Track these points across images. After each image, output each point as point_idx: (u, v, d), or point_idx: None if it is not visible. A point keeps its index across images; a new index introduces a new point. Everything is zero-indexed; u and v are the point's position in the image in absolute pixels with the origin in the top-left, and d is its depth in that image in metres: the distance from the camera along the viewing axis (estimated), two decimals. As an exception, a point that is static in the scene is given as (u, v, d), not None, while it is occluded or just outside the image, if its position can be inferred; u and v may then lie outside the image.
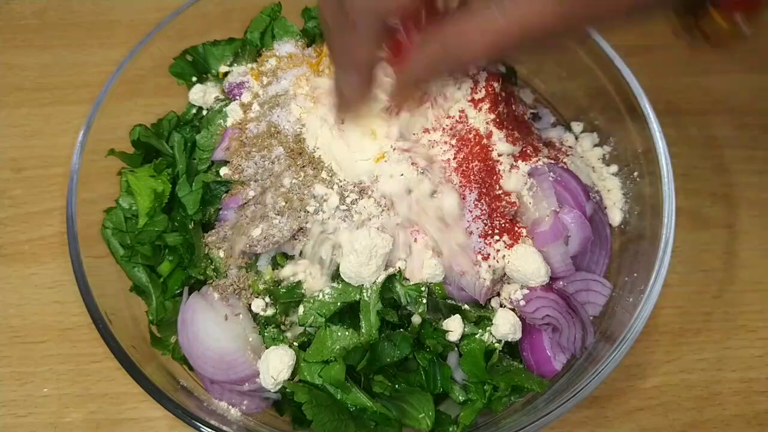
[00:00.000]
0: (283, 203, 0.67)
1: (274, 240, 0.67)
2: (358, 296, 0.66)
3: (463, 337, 0.69)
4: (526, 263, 0.68)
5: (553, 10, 0.53)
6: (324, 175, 0.68)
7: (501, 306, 0.71)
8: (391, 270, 0.66)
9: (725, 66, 1.06)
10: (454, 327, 0.68)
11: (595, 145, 0.87)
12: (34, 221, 0.92)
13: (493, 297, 0.71)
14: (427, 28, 0.60)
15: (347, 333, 0.65)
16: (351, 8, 0.57)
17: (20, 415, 0.80)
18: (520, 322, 0.70)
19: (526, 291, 0.70)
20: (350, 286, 0.66)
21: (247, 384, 0.69)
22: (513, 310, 0.70)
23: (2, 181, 0.95)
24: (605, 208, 0.81)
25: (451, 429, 0.69)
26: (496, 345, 0.69)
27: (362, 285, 0.66)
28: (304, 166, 0.68)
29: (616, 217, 0.81)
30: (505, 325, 0.68)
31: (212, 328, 0.68)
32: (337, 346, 0.65)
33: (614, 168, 0.84)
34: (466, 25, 0.57)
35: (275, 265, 0.71)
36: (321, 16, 0.63)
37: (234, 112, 0.76)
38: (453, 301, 0.69)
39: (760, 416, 0.80)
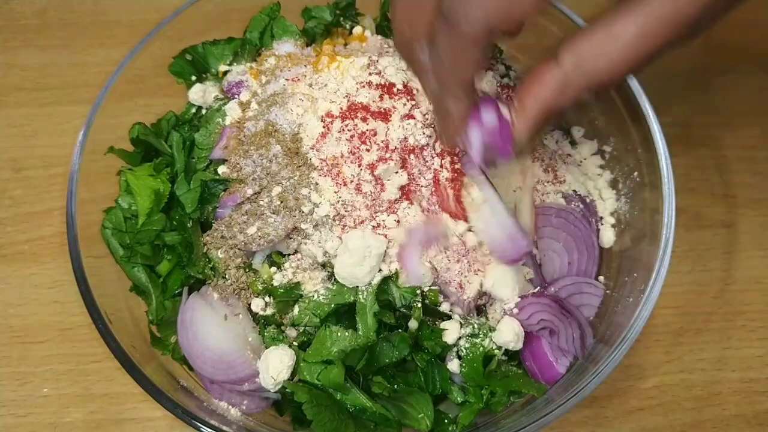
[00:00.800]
0: (279, 202, 0.68)
1: (268, 239, 0.67)
2: (353, 298, 0.66)
3: (463, 339, 0.69)
4: (498, 282, 0.69)
5: None
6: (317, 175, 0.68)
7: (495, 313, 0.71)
8: (386, 272, 0.66)
9: (725, 66, 1.06)
10: (451, 326, 0.68)
11: (593, 154, 0.86)
12: (34, 221, 0.92)
13: (485, 305, 0.72)
14: (559, 43, 0.56)
15: (347, 333, 0.65)
16: (463, 19, 0.53)
17: (20, 415, 0.80)
18: (523, 332, 0.70)
19: (517, 299, 0.70)
20: (345, 287, 0.66)
21: (246, 384, 0.69)
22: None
23: (2, 181, 0.95)
24: (601, 219, 0.81)
25: (450, 429, 0.69)
26: (496, 351, 0.69)
27: (357, 287, 0.66)
28: (300, 166, 0.68)
29: (608, 232, 0.80)
30: (508, 333, 0.68)
31: (212, 328, 0.68)
32: (336, 348, 0.65)
33: (610, 176, 0.84)
34: (602, 30, 0.53)
35: (272, 263, 0.70)
36: (405, 31, 0.60)
37: (232, 111, 0.76)
38: (444, 309, 0.69)
39: (760, 416, 0.80)
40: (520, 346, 0.69)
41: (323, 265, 0.68)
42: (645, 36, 0.52)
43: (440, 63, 0.58)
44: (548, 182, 0.78)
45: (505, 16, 0.53)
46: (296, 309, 0.68)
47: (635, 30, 0.52)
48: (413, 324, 0.67)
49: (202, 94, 0.83)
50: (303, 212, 0.67)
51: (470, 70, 0.58)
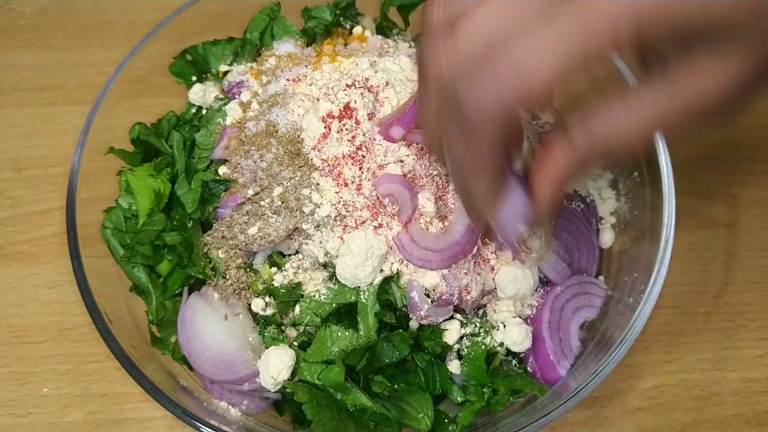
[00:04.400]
0: (280, 203, 0.67)
1: (269, 239, 0.67)
2: (354, 297, 0.66)
3: (464, 338, 0.69)
4: (507, 282, 0.69)
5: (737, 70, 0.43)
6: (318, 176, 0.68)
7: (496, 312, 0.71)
8: (387, 272, 0.66)
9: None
10: (452, 327, 0.68)
11: None
12: (34, 221, 0.92)
13: (485, 306, 0.72)
14: (569, 115, 0.50)
15: (347, 333, 0.65)
16: (471, 105, 0.46)
17: (20, 415, 0.80)
18: (530, 332, 0.70)
19: (531, 301, 0.71)
20: (346, 287, 0.66)
21: (246, 384, 0.69)
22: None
23: (2, 181, 0.95)
24: (601, 219, 0.81)
25: (450, 429, 0.69)
26: (499, 349, 0.69)
27: (359, 287, 0.66)
28: (301, 166, 0.68)
29: (608, 232, 0.81)
30: (518, 335, 0.68)
31: (212, 327, 0.68)
32: (336, 348, 0.65)
33: (610, 176, 0.84)
34: (619, 106, 0.47)
35: (273, 263, 0.70)
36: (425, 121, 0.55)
37: (233, 111, 0.76)
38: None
39: (760, 416, 0.80)
40: (527, 345, 0.69)
41: (324, 266, 0.68)
42: (664, 117, 0.47)
43: (456, 157, 0.52)
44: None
45: (519, 93, 0.44)
46: (297, 309, 0.68)
47: (655, 110, 0.47)
48: (414, 324, 0.67)
49: (202, 94, 0.83)
50: (304, 213, 0.67)
51: (494, 156, 0.51)
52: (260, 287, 0.69)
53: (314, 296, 0.67)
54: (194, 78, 0.86)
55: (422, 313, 0.65)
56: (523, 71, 0.43)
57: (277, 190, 0.68)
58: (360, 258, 0.64)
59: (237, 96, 0.79)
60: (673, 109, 0.46)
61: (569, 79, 0.43)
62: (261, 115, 0.73)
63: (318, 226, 0.67)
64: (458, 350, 0.69)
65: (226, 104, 0.78)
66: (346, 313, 0.67)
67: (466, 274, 0.67)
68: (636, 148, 0.51)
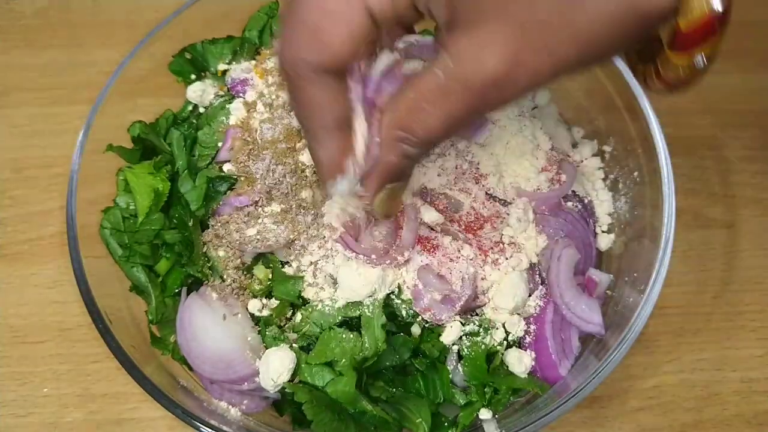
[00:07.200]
0: (283, 212, 0.67)
1: (267, 243, 0.67)
2: (357, 312, 0.65)
3: (464, 338, 0.69)
4: (509, 293, 0.68)
5: (503, 59, 0.43)
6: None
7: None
8: (392, 286, 0.66)
9: (725, 66, 1.06)
10: (452, 326, 0.67)
11: (594, 155, 0.86)
12: (34, 221, 0.92)
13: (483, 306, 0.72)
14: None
15: (351, 336, 0.65)
16: (282, 61, 0.50)
17: (20, 415, 0.80)
18: (523, 321, 0.70)
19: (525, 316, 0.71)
20: (349, 301, 0.66)
21: (246, 383, 0.69)
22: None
23: (2, 181, 0.95)
24: (598, 219, 0.81)
25: (450, 431, 0.68)
26: (498, 348, 0.69)
27: (362, 300, 0.66)
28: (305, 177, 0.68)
29: (605, 232, 0.81)
30: (517, 327, 0.69)
31: (210, 327, 0.68)
32: (339, 349, 0.64)
33: (610, 176, 0.84)
34: (416, 93, 0.47)
35: (268, 264, 0.70)
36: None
37: (237, 111, 0.76)
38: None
39: (760, 416, 0.80)
40: (523, 328, 0.70)
41: (327, 278, 0.68)
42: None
43: (292, 107, 0.54)
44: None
45: (318, 52, 0.48)
46: (298, 317, 0.68)
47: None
48: (416, 330, 0.67)
49: (200, 92, 0.83)
50: (306, 224, 0.67)
51: (323, 112, 0.51)
52: (257, 288, 0.69)
53: (317, 306, 0.67)
54: (193, 77, 0.86)
55: (425, 302, 0.65)
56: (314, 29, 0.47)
57: (281, 199, 0.68)
58: (359, 284, 0.64)
59: (241, 94, 0.79)
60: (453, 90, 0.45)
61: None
62: (278, 119, 0.72)
63: (321, 237, 0.67)
64: (458, 350, 0.69)
65: (228, 102, 0.78)
66: (347, 322, 0.67)
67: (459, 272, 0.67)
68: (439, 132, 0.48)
